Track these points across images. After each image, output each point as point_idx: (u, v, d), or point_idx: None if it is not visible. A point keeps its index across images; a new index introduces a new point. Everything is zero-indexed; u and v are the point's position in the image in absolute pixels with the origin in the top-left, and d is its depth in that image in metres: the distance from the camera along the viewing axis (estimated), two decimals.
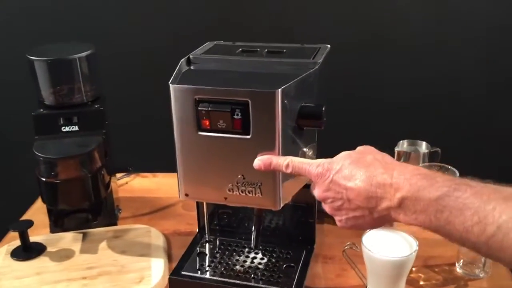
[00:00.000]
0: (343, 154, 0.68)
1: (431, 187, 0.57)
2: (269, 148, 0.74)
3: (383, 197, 0.61)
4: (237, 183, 0.78)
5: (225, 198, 0.79)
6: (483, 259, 0.93)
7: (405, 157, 1.23)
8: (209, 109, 0.74)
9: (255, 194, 0.77)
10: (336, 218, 0.69)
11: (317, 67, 0.81)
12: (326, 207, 0.69)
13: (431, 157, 1.24)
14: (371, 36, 1.55)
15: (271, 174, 0.76)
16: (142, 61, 1.65)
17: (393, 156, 1.25)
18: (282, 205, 0.78)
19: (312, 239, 0.97)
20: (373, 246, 0.87)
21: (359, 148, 0.70)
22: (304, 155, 0.85)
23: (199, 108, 0.74)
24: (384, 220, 0.64)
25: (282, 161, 0.72)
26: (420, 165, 1.18)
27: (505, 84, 1.60)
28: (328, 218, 1.14)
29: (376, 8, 1.55)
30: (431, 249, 1.04)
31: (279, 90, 0.71)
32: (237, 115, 0.73)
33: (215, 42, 0.96)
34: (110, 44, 1.55)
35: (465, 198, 0.54)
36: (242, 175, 0.77)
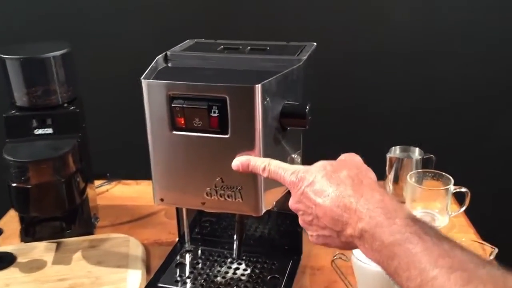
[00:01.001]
0: (320, 164, 0.62)
1: (388, 228, 0.53)
2: (248, 148, 0.69)
3: (348, 222, 0.56)
4: (216, 187, 0.72)
5: (203, 203, 0.74)
6: None
7: (397, 164, 1.18)
8: (184, 106, 0.68)
9: (235, 198, 0.72)
10: (308, 233, 0.63)
11: (301, 63, 0.76)
12: (299, 219, 0.64)
13: (425, 164, 1.19)
14: (364, 41, 1.51)
15: (252, 177, 0.70)
16: (121, 61, 1.59)
17: (384, 162, 1.21)
18: (264, 210, 0.73)
19: (299, 249, 0.91)
20: (363, 257, 0.81)
21: (340, 158, 0.64)
22: (291, 161, 0.79)
23: (173, 105, 0.69)
24: (352, 245, 0.58)
25: (260, 163, 0.66)
26: (413, 171, 1.13)
27: (500, 90, 1.56)
28: None
29: (368, 14, 1.51)
30: None
31: (259, 85, 0.66)
32: (214, 112, 0.67)
33: (195, 40, 0.91)
34: (87, 43, 1.49)
35: (414, 254, 0.50)
36: (221, 178, 0.71)
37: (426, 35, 1.52)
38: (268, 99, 0.68)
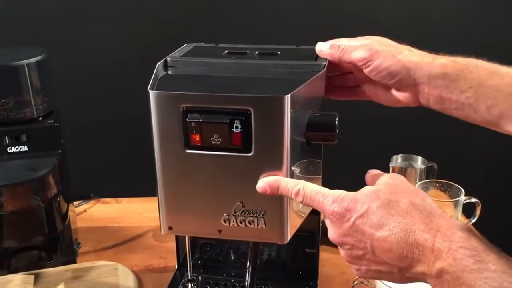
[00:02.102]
0: (370, 191, 0.54)
1: (479, 274, 0.46)
2: (274, 167, 0.60)
3: (420, 260, 0.49)
4: (235, 212, 0.63)
5: (219, 231, 0.64)
6: None
7: (400, 173, 1.12)
8: (201, 120, 0.59)
9: (257, 225, 0.63)
10: (354, 267, 0.56)
11: (323, 70, 0.68)
12: (342, 252, 0.56)
13: (427, 173, 1.14)
14: None
15: (278, 200, 0.61)
16: (103, 70, 1.48)
17: (388, 172, 1.15)
18: (289, 238, 0.64)
19: (314, 274, 0.83)
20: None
21: (387, 182, 0.56)
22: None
23: (187, 120, 0.59)
24: (417, 281, 0.52)
25: (292, 186, 0.58)
26: (417, 183, 1.07)
27: None
28: (326, 246, 1.01)
29: (371, 19, 1.46)
30: None
31: (288, 96, 0.57)
32: (237, 127, 0.58)
33: (194, 44, 0.82)
34: (65, 50, 1.38)
35: None
36: (241, 202, 0.62)
37: (428, 43, 1.49)
38: (295, 110, 0.60)
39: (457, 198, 1.01)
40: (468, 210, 1.07)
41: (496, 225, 1.50)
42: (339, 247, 0.56)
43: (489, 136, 1.56)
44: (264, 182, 0.59)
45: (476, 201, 1.03)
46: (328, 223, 0.56)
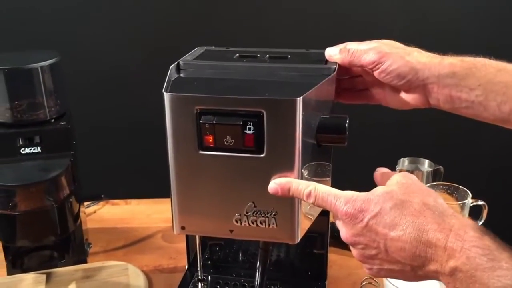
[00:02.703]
0: (382, 192, 0.54)
1: (492, 272, 0.47)
2: (286, 168, 0.61)
3: (432, 258, 0.50)
4: (247, 213, 0.64)
5: (231, 231, 0.65)
6: None
7: None
8: (214, 122, 0.60)
9: (269, 225, 0.64)
10: (366, 266, 0.57)
11: (334, 73, 0.69)
12: (354, 252, 0.57)
13: (434, 176, 1.14)
14: None
15: (289, 201, 0.62)
16: (114, 73, 1.50)
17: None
18: (300, 238, 0.65)
19: (323, 274, 0.84)
20: (398, 281, 0.75)
21: (400, 181, 0.56)
22: (320, 178, 0.72)
23: (201, 122, 0.60)
24: (429, 279, 0.53)
25: (304, 188, 0.59)
26: (428, 185, 1.08)
27: None
28: (333, 247, 1.02)
29: (378, 25, 1.47)
30: None
31: (300, 98, 0.59)
32: (249, 129, 0.59)
33: (205, 48, 0.83)
34: (78, 53, 1.40)
35: None
36: (253, 203, 0.63)
37: (434, 45, 1.50)
38: (306, 113, 0.61)
39: (464, 201, 1.02)
40: (475, 213, 1.07)
41: (503, 228, 1.51)
42: (351, 247, 0.57)
43: (495, 139, 1.58)
44: (275, 184, 0.60)
45: (483, 204, 1.04)
46: (340, 223, 0.57)
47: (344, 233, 0.56)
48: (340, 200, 0.55)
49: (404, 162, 1.17)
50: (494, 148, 1.61)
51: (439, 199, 0.54)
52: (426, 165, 1.16)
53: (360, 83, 0.79)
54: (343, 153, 1.31)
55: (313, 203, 0.58)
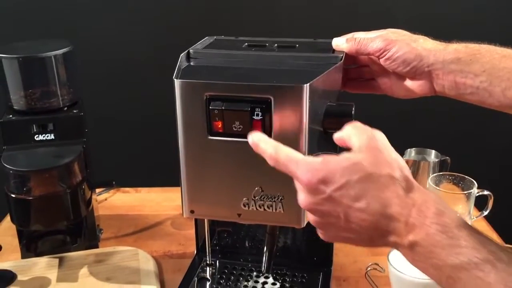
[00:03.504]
0: (349, 163, 0.50)
1: (450, 249, 0.47)
2: None
3: (393, 232, 0.50)
4: (254, 197, 0.66)
5: (239, 215, 0.67)
6: None
7: (413, 167, 1.14)
8: (223, 108, 0.62)
9: (276, 209, 0.66)
10: (320, 231, 0.55)
11: (341, 62, 0.70)
12: (311, 218, 0.54)
13: (440, 166, 1.15)
14: None
15: (295, 185, 0.64)
16: (126, 62, 1.52)
17: None
18: (306, 222, 0.67)
19: (329, 260, 0.86)
20: (402, 266, 0.76)
21: (368, 147, 0.52)
22: None
23: (210, 108, 0.62)
24: (386, 246, 0.53)
25: (267, 148, 0.54)
26: (434, 175, 1.09)
27: None
28: None
29: (382, 12, 1.48)
30: None
31: (307, 85, 0.60)
32: (257, 115, 0.61)
33: (215, 37, 0.85)
34: (90, 42, 1.42)
35: (486, 284, 0.45)
36: (261, 187, 0.65)
37: (445, 33, 1.51)
38: (313, 100, 0.62)
39: (470, 191, 1.03)
40: (481, 203, 1.08)
41: (510, 219, 1.51)
42: (307, 212, 0.54)
43: (503, 129, 1.58)
44: (250, 138, 0.55)
45: (489, 194, 1.04)
46: (299, 188, 0.53)
47: (303, 200, 0.52)
48: (301, 166, 0.51)
49: (411, 152, 1.18)
50: (503, 140, 1.61)
51: (405, 170, 0.52)
52: (432, 155, 1.16)
53: (367, 73, 0.80)
54: None
55: (275, 167, 0.54)
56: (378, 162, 0.51)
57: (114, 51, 1.52)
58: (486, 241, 0.48)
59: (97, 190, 1.19)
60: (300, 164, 0.51)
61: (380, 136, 0.54)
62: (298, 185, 0.53)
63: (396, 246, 0.51)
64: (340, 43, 0.74)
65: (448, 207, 0.51)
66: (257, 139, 0.55)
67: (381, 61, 0.71)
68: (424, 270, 0.51)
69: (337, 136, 0.56)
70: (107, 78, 1.53)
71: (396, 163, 0.52)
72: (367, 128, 0.54)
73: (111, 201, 1.21)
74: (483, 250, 0.47)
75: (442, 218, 0.49)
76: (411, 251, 0.50)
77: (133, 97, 1.57)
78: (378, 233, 0.51)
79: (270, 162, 0.54)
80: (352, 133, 0.54)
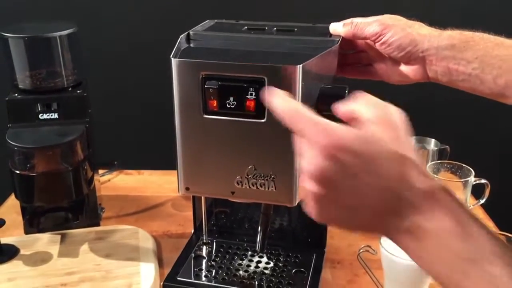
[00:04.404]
0: (368, 134, 0.46)
1: (462, 238, 0.44)
2: (285, 133, 0.63)
3: (401, 213, 0.45)
4: (248, 175, 0.67)
5: (232, 193, 0.69)
6: None
7: None
8: (218, 87, 0.63)
9: (268, 188, 0.67)
10: (314, 206, 0.48)
11: (336, 45, 0.72)
12: (309, 188, 0.46)
13: (440, 155, 1.16)
14: None
15: (288, 165, 0.65)
16: (129, 44, 1.53)
17: None
18: (298, 201, 0.68)
19: (322, 242, 0.87)
20: (394, 249, 0.78)
21: (387, 120, 0.48)
22: None
23: (206, 86, 0.64)
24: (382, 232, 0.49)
25: (283, 102, 0.49)
26: (431, 163, 1.10)
27: None
28: None
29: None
30: None
31: (300, 66, 0.62)
32: (251, 94, 0.63)
33: (216, 20, 0.86)
34: (94, 24, 1.43)
35: (499, 276, 0.42)
36: (254, 166, 0.67)
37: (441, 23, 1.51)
38: (306, 81, 0.63)
39: (467, 179, 1.04)
40: (479, 192, 1.09)
41: (509, 207, 1.52)
42: (304, 185, 0.47)
43: (503, 119, 1.58)
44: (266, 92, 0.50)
45: (486, 182, 1.05)
46: (309, 149, 0.46)
47: (313, 161, 0.45)
48: (322, 128, 0.45)
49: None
50: (502, 129, 1.61)
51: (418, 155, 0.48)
52: (432, 144, 1.17)
53: (364, 58, 0.81)
54: None
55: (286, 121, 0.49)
56: (396, 139, 0.46)
57: (120, 32, 1.53)
58: (495, 235, 0.44)
59: (101, 172, 1.22)
60: (320, 124, 0.46)
61: (395, 113, 0.49)
62: (308, 147, 0.46)
63: (397, 230, 0.46)
64: (337, 27, 0.75)
65: (460, 199, 0.46)
66: (273, 92, 0.49)
67: (377, 45, 0.72)
68: (422, 260, 0.46)
69: (345, 108, 0.51)
70: (113, 59, 1.54)
71: (411, 144, 0.48)
72: (380, 102, 0.50)
73: (114, 182, 1.24)
74: (495, 243, 0.43)
75: (456, 208, 0.45)
76: (412, 236, 0.45)
77: (137, 78, 1.58)
78: (384, 212, 0.45)
79: (285, 115, 0.48)
80: (363, 105, 0.49)
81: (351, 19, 0.76)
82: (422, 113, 1.56)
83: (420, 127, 1.29)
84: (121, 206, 1.12)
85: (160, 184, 1.23)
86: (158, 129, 1.51)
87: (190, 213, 0.98)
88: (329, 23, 0.80)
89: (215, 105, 0.64)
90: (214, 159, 0.68)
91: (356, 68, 0.82)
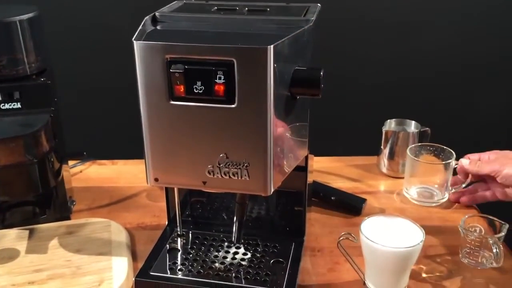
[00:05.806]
0: None
1: None
2: (258, 119, 0.61)
3: None
4: (219, 164, 0.64)
5: (204, 183, 0.65)
6: (495, 250, 0.83)
7: (393, 137, 1.12)
8: (184, 71, 0.59)
9: (241, 176, 0.64)
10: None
11: (310, 24, 0.68)
12: None
13: (420, 137, 1.14)
14: (358, 16, 1.46)
15: (261, 152, 0.62)
16: (96, 28, 1.47)
17: (380, 136, 1.15)
18: (272, 190, 0.65)
19: (301, 230, 0.85)
20: (374, 235, 0.75)
21: None
22: (296, 135, 0.72)
23: (171, 71, 0.60)
24: None
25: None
26: (413, 145, 1.07)
27: (496, 59, 1.54)
28: (316, 207, 1.02)
29: None
30: (431, 237, 0.93)
31: (271, 46, 0.58)
32: (220, 78, 0.59)
33: (184, 1, 0.82)
34: (58, 8, 1.37)
35: None
36: (225, 154, 0.63)
37: (422, 7, 1.48)
38: (279, 63, 0.60)
39: (448, 161, 1.01)
40: None
41: None
42: None
43: (484, 101, 1.57)
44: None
45: None
46: None
47: None
48: None
49: (391, 123, 1.16)
50: (483, 111, 1.60)
51: None
52: (412, 126, 1.15)
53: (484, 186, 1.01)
54: (329, 114, 1.31)
55: None
56: None
57: (84, 16, 1.47)
58: None
59: (71, 162, 1.17)
60: None
61: None
62: None
63: None
64: (465, 164, 0.99)
65: None
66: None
67: (498, 179, 0.93)
68: None
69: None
70: (78, 44, 1.48)
71: None
72: None
73: (86, 173, 1.19)
74: None
75: None
76: None
77: (107, 64, 1.52)
78: None
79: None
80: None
81: (472, 155, 1.00)
82: (402, 95, 1.54)
83: (400, 109, 1.28)
84: (93, 198, 1.08)
85: (134, 174, 1.18)
86: (132, 116, 1.46)
87: (165, 204, 0.94)
88: (303, 2, 0.76)
89: (181, 90, 0.60)
90: (183, 148, 0.64)
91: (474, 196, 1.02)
